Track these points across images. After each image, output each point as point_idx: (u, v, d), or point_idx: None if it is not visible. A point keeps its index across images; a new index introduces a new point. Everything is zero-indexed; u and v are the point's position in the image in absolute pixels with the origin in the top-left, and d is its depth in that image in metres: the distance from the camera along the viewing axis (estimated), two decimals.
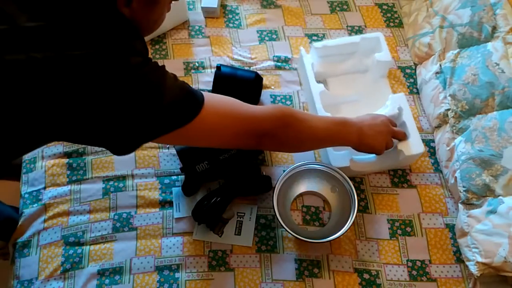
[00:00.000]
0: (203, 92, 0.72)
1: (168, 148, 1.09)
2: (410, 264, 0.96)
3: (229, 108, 0.75)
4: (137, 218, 1.00)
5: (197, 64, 1.20)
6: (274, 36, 1.25)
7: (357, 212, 0.92)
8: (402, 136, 0.98)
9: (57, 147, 1.08)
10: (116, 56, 0.60)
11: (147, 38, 1.21)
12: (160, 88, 0.64)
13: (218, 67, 1.07)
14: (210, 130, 0.73)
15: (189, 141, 0.80)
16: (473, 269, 0.89)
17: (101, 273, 0.94)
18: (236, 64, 1.19)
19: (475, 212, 0.92)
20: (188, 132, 0.69)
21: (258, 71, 1.15)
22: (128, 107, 0.61)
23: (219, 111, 0.73)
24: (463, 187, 0.95)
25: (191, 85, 1.16)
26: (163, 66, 0.68)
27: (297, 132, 0.82)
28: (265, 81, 1.15)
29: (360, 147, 0.92)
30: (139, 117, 0.63)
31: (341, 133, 0.89)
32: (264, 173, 1.03)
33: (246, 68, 1.19)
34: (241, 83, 1.08)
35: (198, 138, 0.74)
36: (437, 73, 1.08)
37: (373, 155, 1.01)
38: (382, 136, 0.92)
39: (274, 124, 0.78)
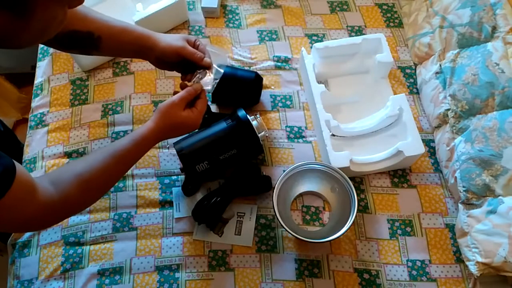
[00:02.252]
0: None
1: (168, 148, 1.09)
2: (410, 264, 0.96)
3: None
4: (137, 218, 1.00)
5: None
6: (274, 36, 1.25)
7: (357, 212, 0.92)
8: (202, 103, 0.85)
9: (57, 147, 1.08)
10: None
11: None
12: None
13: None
14: (19, 209, 0.60)
15: None
16: (473, 269, 0.89)
17: (101, 273, 0.95)
18: (236, 64, 1.19)
19: (475, 212, 0.93)
20: None
21: (258, 71, 1.15)
22: None
23: (27, 188, 0.61)
24: (463, 187, 0.95)
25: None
26: None
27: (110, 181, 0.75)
28: (265, 81, 1.15)
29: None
30: None
31: (149, 142, 0.79)
32: (264, 173, 1.03)
33: (246, 68, 1.19)
34: (241, 83, 1.08)
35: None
36: (437, 73, 1.08)
37: (375, 155, 1.02)
38: (187, 126, 0.83)
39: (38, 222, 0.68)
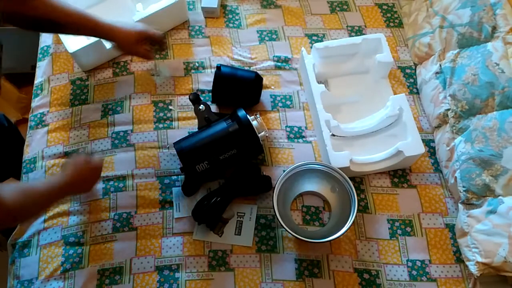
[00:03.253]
0: None
1: (168, 148, 1.09)
2: (410, 264, 0.96)
3: None
4: (137, 218, 1.00)
5: (197, 64, 1.20)
6: (274, 36, 1.25)
7: (357, 212, 0.92)
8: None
9: (57, 147, 1.08)
10: None
11: None
12: None
13: (218, 67, 1.08)
14: None
15: None
16: (473, 269, 0.89)
17: (101, 273, 0.94)
18: (236, 64, 1.19)
19: (475, 212, 0.93)
20: None
21: (258, 71, 1.15)
22: None
23: None
24: (463, 187, 0.95)
25: (191, 85, 1.17)
26: None
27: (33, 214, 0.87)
28: (265, 81, 1.15)
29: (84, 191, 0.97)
30: None
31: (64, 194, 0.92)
32: (264, 173, 1.03)
33: (246, 68, 1.19)
34: (241, 83, 1.08)
35: None
36: (437, 73, 1.08)
37: (375, 155, 1.02)
38: (86, 182, 0.93)
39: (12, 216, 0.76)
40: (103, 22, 0.96)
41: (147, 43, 1.02)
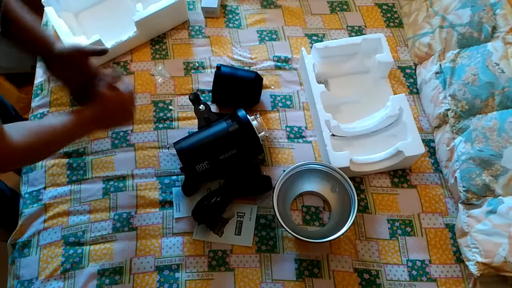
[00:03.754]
0: None
1: (168, 148, 1.09)
2: (410, 264, 0.96)
3: None
4: (137, 218, 1.00)
5: (197, 64, 1.20)
6: (274, 36, 1.25)
7: (357, 212, 0.92)
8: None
9: None
10: None
11: (147, 39, 1.21)
12: None
13: (218, 67, 1.08)
14: None
15: None
16: (473, 269, 0.89)
17: (101, 273, 0.95)
18: (236, 64, 1.19)
19: (475, 212, 0.93)
20: None
21: (258, 71, 1.15)
22: None
23: None
24: (463, 187, 0.95)
25: (191, 85, 1.17)
26: None
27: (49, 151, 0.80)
28: (265, 81, 1.15)
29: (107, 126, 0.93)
30: None
31: (83, 130, 0.81)
32: (264, 173, 1.03)
33: (246, 68, 1.19)
34: (241, 83, 1.08)
35: None
36: (437, 73, 1.08)
37: (375, 155, 1.02)
38: (117, 117, 0.85)
39: (25, 157, 0.73)
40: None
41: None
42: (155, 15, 1.14)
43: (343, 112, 1.13)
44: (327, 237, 0.90)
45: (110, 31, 1.18)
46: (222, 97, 1.10)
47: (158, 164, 1.07)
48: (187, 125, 1.11)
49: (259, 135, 0.98)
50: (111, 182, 1.04)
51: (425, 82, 1.12)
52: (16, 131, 0.71)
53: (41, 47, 0.84)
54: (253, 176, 1.01)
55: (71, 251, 0.97)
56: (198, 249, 0.97)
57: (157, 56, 1.21)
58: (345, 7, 1.30)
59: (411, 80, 1.19)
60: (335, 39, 1.22)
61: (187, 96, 1.09)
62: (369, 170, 1.03)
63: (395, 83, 1.18)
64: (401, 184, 1.05)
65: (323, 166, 0.98)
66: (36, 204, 1.02)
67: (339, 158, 0.98)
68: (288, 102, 1.15)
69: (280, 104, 1.14)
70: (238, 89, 1.08)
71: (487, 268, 0.87)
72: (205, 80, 1.17)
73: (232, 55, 1.21)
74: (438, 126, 1.07)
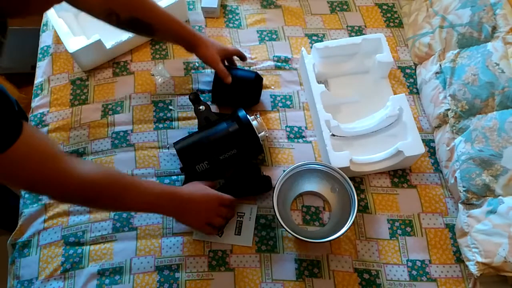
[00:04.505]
0: (24, 123, 0.62)
1: (168, 148, 1.09)
2: (410, 264, 0.96)
3: (49, 152, 0.68)
4: (137, 218, 1.00)
5: (197, 64, 1.20)
6: (274, 36, 1.25)
7: (357, 212, 0.92)
8: (229, 211, 0.95)
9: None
10: None
11: (147, 39, 1.21)
12: None
13: None
14: (21, 167, 0.64)
15: None
16: (473, 269, 0.89)
17: (101, 273, 0.95)
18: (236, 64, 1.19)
19: (475, 212, 0.93)
20: None
21: (258, 71, 1.15)
22: None
23: (37, 149, 0.65)
24: (463, 187, 0.95)
25: (191, 85, 1.17)
26: None
27: (117, 201, 0.80)
28: (265, 81, 1.15)
29: (178, 220, 0.94)
30: None
31: (159, 207, 0.87)
32: (264, 173, 1.03)
33: (246, 68, 1.19)
34: (241, 83, 1.08)
35: (4, 173, 0.64)
36: (437, 73, 1.08)
37: (375, 155, 1.02)
38: (200, 217, 0.90)
39: (94, 191, 0.74)
40: (193, 30, 1.01)
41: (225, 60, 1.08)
42: None
43: (343, 112, 1.13)
44: (327, 237, 0.90)
45: (110, 31, 1.17)
46: (222, 97, 1.10)
47: (158, 164, 1.07)
48: (187, 125, 1.11)
49: (259, 135, 0.98)
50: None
51: (425, 82, 1.12)
52: (95, 168, 0.74)
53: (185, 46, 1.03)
54: (253, 176, 1.01)
55: (71, 251, 0.97)
56: (198, 249, 0.97)
57: (157, 56, 1.21)
58: (345, 7, 1.30)
59: (411, 80, 1.19)
60: (335, 39, 1.22)
61: (187, 96, 1.09)
62: (369, 170, 1.03)
63: (395, 83, 1.18)
64: (401, 184, 1.05)
65: (323, 166, 0.98)
66: (36, 204, 1.02)
67: (339, 158, 0.98)
68: (288, 102, 1.15)
69: (280, 104, 1.14)
70: (238, 89, 1.08)
71: (487, 268, 0.87)
72: (205, 80, 1.17)
73: None
74: (438, 126, 1.07)
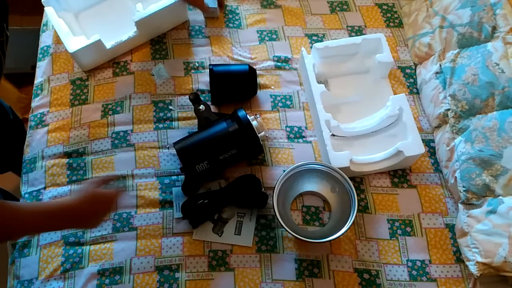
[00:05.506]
0: None
1: (168, 148, 1.09)
2: (410, 264, 0.96)
3: None
4: (137, 218, 1.00)
5: (197, 64, 1.20)
6: (274, 36, 1.25)
7: (357, 212, 0.92)
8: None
9: (57, 147, 1.08)
10: None
11: (147, 39, 1.21)
12: None
13: (211, 69, 1.08)
14: None
15: None
16: (473, 269, 0.89)
17: (101, 273, 0.94)
18: None
19: (475, 212, 0.93)
20: None
21: (258, 71, 1.15)
22: None
23: None
24: (463, 187, 0.95)
25: (191, 85, 1.17)
26: None
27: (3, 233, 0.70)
28: (265, 81, 1.15)
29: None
30: None
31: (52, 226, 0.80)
32: (264, 189, 1.02)
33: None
34: (235, 77, 1.08)
35: None
36: (437, 73, 1.08)
37: (375, 155, 1.02)
38: (93, 216, 0.82)
39: None
40: None
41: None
42: (155, 15, 1.14)
43: (343, 112, 1.13)
44: (327, 237, 0.90)
45: (110, 31, 1.18)
46: (220, 95, 1.10)
47: (158, 164, 1.07)
48: (187, 125, 1.11)
49: (259, 135, 0.98)
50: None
51: (425, 82, 1.12)
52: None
53: None
54: (253, 191, 0.99)
55: (71, 251, 0.97)
56: (198, 249, 0.97)
57: (157, 56, 1.21)
58: (345, 7, 1.30)
59: (411, 80, 1.19)
60: (335, 39, 1.22)
61: (187, 96, 1.09)
62: (369, 170, 1.03)
63: (395, 83, 1.18)
64: (401, 184, 1.05)
65: (323, 166, 0.98)
66: None
67: (339, 158, 0.98)
68: (288, 102, 1.15)
69: (280, 104, 1.14)
70: (235, 84, 1.08)
71: (487, 268, 0.87)
72: (205, 80, 1.17)
73: (232, 55, 1.21)
74: (438, 126, 1.07)
